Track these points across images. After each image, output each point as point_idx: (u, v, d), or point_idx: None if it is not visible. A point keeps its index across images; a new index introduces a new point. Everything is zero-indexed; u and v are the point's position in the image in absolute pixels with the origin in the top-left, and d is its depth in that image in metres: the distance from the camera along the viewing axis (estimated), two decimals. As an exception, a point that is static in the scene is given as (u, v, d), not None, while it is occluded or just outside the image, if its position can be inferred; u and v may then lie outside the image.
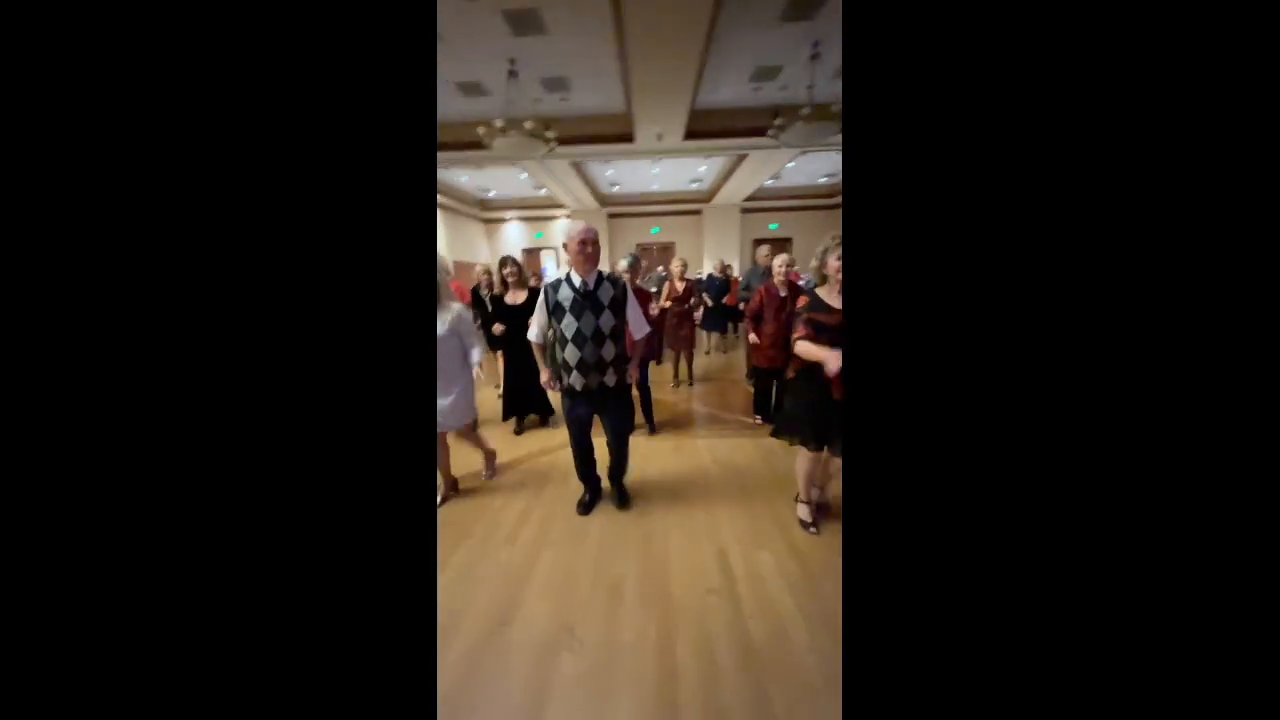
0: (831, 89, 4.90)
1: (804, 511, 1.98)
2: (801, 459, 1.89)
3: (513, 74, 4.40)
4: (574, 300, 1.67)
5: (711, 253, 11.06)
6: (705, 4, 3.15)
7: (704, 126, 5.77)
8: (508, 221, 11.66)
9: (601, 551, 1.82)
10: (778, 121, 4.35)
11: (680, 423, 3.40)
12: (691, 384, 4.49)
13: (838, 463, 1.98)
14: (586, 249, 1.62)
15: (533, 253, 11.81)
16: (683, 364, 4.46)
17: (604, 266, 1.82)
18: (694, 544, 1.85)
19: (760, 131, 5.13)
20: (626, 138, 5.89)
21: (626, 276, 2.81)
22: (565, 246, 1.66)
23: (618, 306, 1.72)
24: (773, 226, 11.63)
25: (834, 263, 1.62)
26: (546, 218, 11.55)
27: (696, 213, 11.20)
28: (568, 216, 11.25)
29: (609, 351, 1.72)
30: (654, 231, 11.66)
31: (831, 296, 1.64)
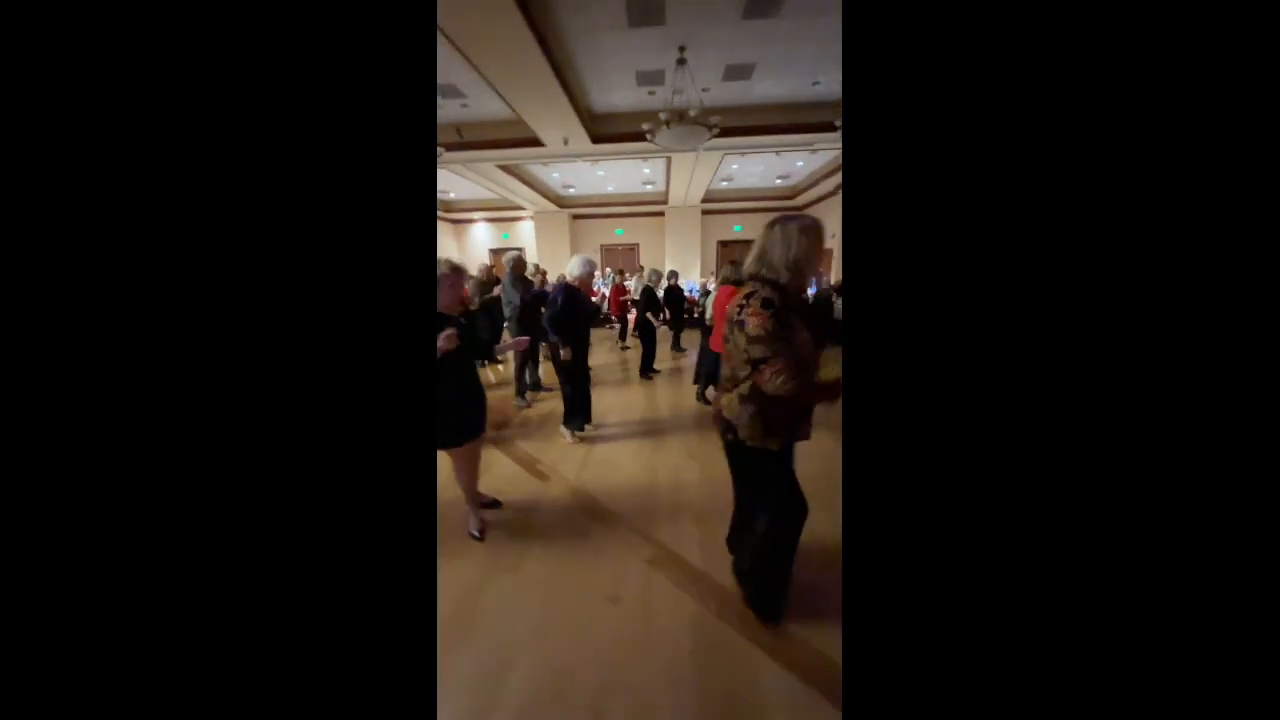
0: (719, 92, 4.80)
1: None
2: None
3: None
4: None
5: (674, 254, 10.97)
6: (512, 13, 3.13)
7: (608, 130, 5.73)
8: (475, 222, 11.86)
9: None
10: (646, 126, 4.30)
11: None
12: None
13: None
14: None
15: (499, 253, 11.99)
16: None
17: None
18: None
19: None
20: (537, 141, 5.92)
21: None
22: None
23: None
24: (738, 229, 11.41)
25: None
26: (512, 219, 11.69)
27: (660, 214, 11.13)
28: (530, 218, 11.35)
29: None
30: (618, 233, 11.64)
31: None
